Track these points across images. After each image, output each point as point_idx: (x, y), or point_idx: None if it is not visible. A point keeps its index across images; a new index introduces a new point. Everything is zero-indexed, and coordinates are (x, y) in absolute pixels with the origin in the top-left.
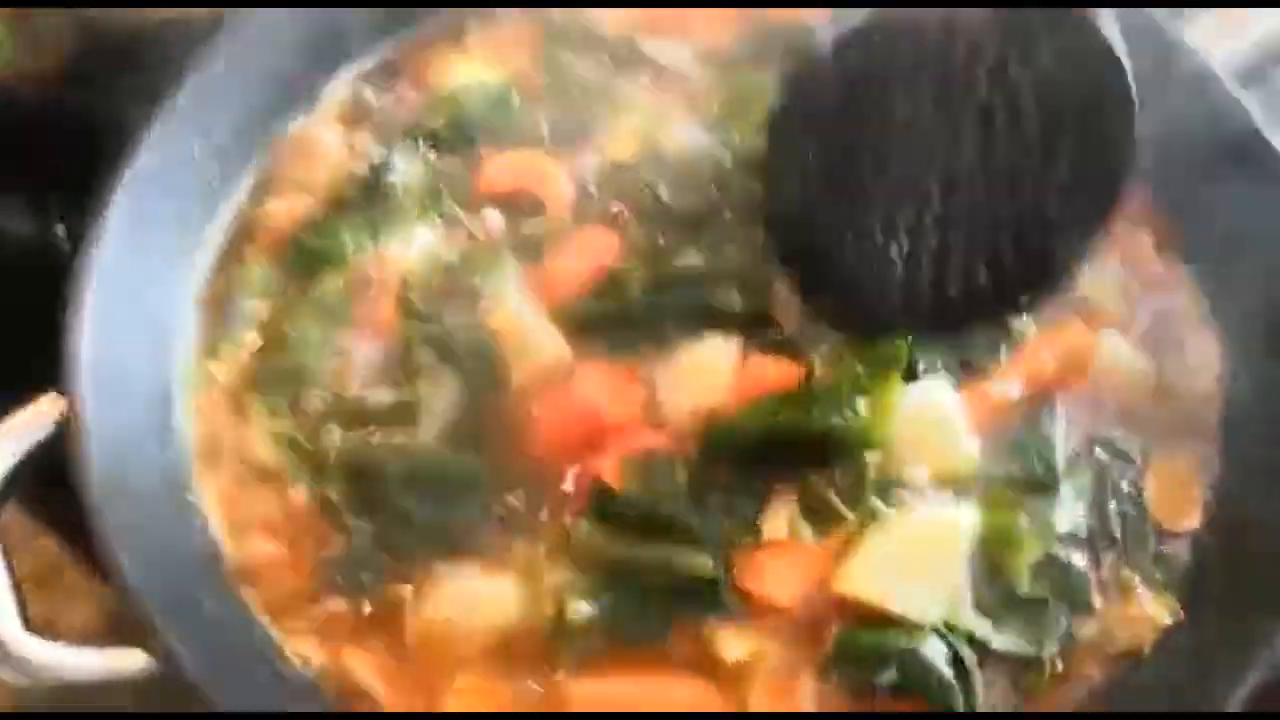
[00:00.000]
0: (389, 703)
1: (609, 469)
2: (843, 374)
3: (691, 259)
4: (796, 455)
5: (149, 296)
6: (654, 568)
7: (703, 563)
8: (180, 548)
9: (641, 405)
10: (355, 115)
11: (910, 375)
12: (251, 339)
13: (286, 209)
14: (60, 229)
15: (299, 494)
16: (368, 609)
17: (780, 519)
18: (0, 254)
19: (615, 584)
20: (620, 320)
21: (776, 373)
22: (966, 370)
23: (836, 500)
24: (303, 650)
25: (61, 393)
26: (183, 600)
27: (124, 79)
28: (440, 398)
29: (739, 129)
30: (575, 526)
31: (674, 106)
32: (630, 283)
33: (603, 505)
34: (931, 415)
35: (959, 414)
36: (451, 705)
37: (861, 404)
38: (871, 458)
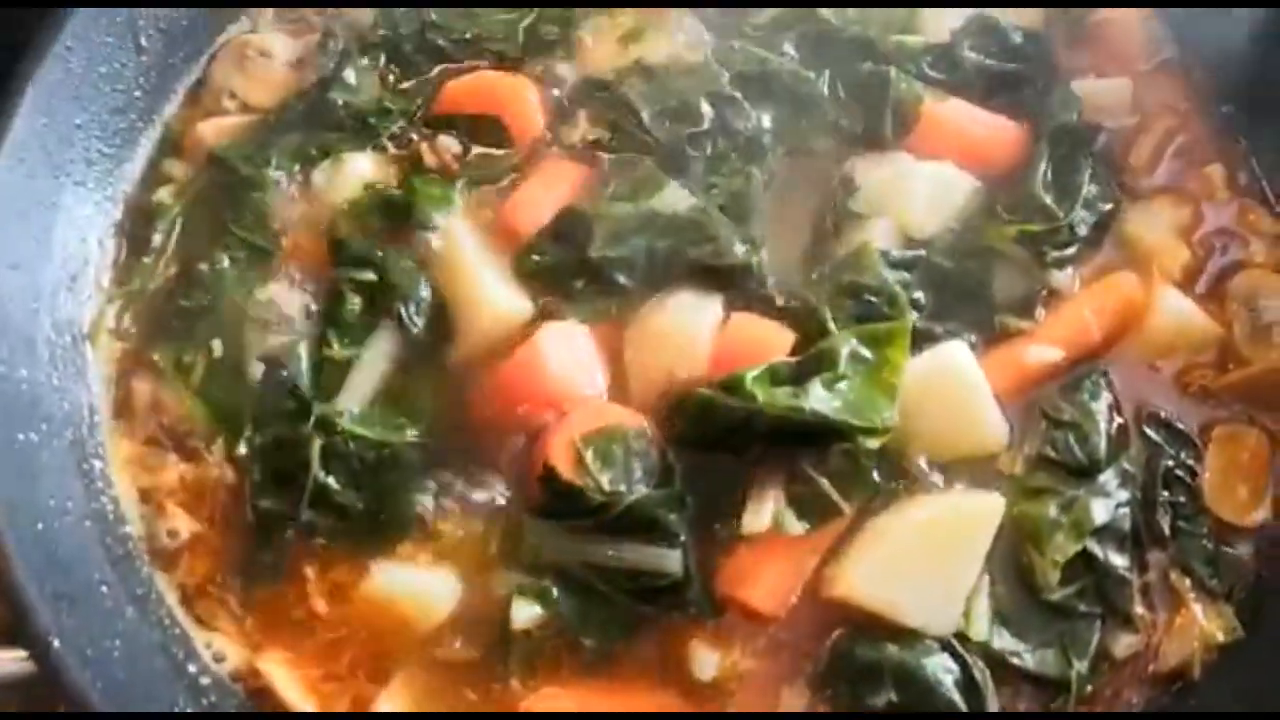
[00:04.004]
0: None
1: (564, 449)
2: (839, 341)
3: (671, 197)
4: (783, 436)
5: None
6: (614, 569)
7: (671, 561)
8: (80, 524)
9: (605, 374)
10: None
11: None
12: (160, 274)
13: (213, 128)
14: None
15: (215, 459)
16: (289, 601)
17: (763, 510)
18: None
19: (569, 584)
20: (581, 271)
21: (761, 336)
22: (992, 333)
23: (829, 488)
24: (218, 645)
25: None
26: (78, 585)
27: None
28: (372, 356)
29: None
30: (523, 521)
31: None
32: (595, 223)
33: (555, 496)
34: (946, 385)
35: (981, 383)
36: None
37: (860, 379)
38: (873, 441)
